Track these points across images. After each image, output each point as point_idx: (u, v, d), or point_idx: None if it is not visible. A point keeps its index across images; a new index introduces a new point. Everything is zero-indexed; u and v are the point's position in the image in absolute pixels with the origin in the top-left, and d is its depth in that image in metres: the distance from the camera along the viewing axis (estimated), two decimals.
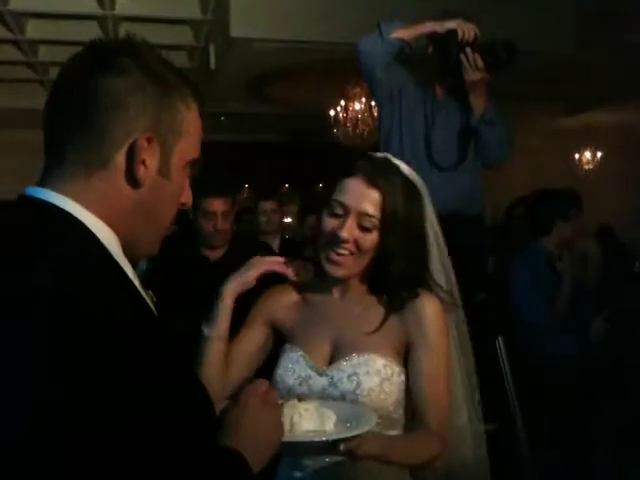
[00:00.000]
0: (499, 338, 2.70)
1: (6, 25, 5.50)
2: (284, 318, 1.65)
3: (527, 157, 6.81)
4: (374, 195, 1.51)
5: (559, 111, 8.02)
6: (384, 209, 1.50)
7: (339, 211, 1.53)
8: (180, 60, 6.31)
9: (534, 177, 5.86)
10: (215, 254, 3.05)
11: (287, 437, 1.20)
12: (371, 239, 1.51)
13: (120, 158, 0.98)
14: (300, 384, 1.53)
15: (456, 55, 2.71)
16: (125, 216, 1.00)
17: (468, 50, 2.69)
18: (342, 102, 6.80)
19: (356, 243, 1.51)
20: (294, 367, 1.56)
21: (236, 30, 5.16)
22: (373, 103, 6.65)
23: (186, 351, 1.03)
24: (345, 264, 1.53)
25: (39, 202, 0.96)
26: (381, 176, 1.52)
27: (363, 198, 1.51)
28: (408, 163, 1.77)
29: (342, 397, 1.48)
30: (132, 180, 0.99)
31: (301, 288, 1.66)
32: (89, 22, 5.55)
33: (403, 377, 1.53)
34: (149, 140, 0.99)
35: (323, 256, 1.54)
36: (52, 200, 0.96)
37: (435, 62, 2.86)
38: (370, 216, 1.51)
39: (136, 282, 1.01)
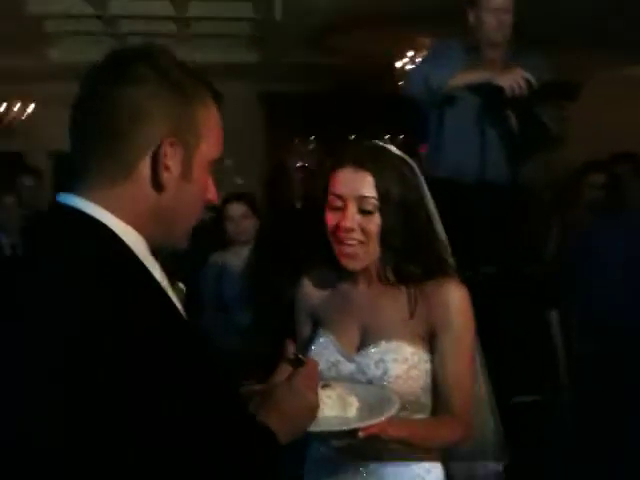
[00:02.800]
0: (553, 310, 2.68)
1: None
2: (319, 304, 1.70)
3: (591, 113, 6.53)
4: (366, 177, 1.52)
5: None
6: (378, 189, 1.51)
7: (338, 203, 1.55)
8: (245, 12, 6.28)
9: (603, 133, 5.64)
10: None
11: (315, 425, 1.25)
12: (375, 222, 1.53)
13: (143, 164, 1.03)
14: (329, 369, 1.58)
15: (502, 109, 2.69)
16: (151, 218, 1.05)
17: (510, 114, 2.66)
18: (410, 53, 6.66)
19: (362, 229, 1.53)
20: (324, 352, 1.61)
21: None
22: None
23: (209, 348, 1.08)
24: (357, 255, 1.55)
25: (70, 210, 1.02)
26: (369, 158, 1.54)
27: (356, 183, 1.53)
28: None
29: (369, 383, 1.52)
30: (156, 185, 1.03)
31: (330, 281, 1.69)
32: None
33: (430, 364, 1.56)
34: (171, 145, 1.03)
35: (336, 252, 1.56)
36: (82, 208, 1.01)
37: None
38: (367, 198, 1.52)
39: (164, 282, 1.06)
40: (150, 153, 1.02)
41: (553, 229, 3.51)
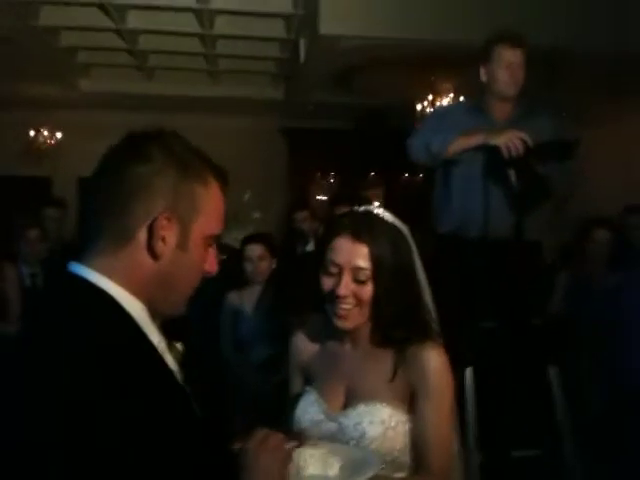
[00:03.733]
0: (550, 366, 2.73)
1: (110, 16, 5.79)
2: (308, 362, 1.80)
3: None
4: (362, 249, 1.62)
5: None
6: (373, 260, 1.61)
7: (333, 270, 1.65)
8: (272, 52, 6.45)
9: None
10: None
11: None
12: (368, 289, 1.62)
13: (142, 234, 1.13)
14: (312, 427, 1.66)
15: (503, 172, 2.76)
16: (148, 285, 1.15)
17: (511, 172, 2.74)
18: (429, 97, 6.76)
19: (355, 296, 1.62)
20: (309, 409, 1.70)
21: (325, 27, 5.23)
22: (462, 98, 6.60)
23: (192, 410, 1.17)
24: (350, 316, 1.64)
25: (76, 278, 1.12)
26: (365, 230, 1.64)
27: (353, 254, 1.62)
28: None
29: (348, 443, 1.60)
30: (152, 254, 1.13)
31: (321, 337, 1.79)
32: (186, 14, 5.77)
33: (408, 425, 1.63)
34: (168, 218, 1.13)
35: (330, 311, 1.66)
36: (87, 276, 1.12)
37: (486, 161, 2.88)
38: (362, 269, 1.62)
39: (161, 345, 1.15)
40: (148, 224, 1.12)
41: (558, 284, 3.55)
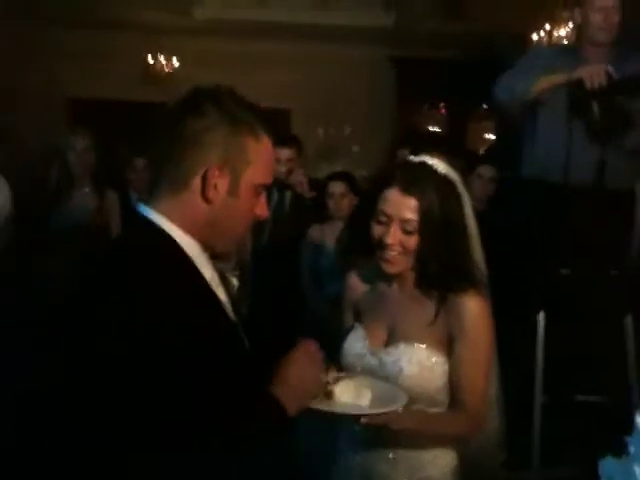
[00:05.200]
0: (626, 317, 2.69)
1: None
2: (358, 300, 1.91)
3: None
4: (411, 202, 1.70)
5: None
6: (420, 213, 1.68)
7: (383, 219, 1.74)
8: None
9: None
10: None
11: (326, 406, 1.47)
12: (414, 240, 1.71)
13: (196, 182, 1.29)
14: (356, 360, 1.79)
15: (587, 104, 2.67)
16: (202, 226, 1.32)
17: (594, 105, 2.65)
18: (547, 26, 6.45)
19: (402, 245, 1.71)
20: (355, 345, 1.82)
21: None
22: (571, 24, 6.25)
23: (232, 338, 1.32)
24: (395, 262, 1.74)
25: (142, 218, 1.31)
26: (415, 183, 1.70)
27: (402, 206, 1.70)
28: None
29: (386, 379, 1.71)
30: (205, 199, 1.29)
31: (372, 278, 1.89)
32: None
33: (446, 366, 1.73)
34: (220, 168, 1.28)
35: (378, 256, 1.76)
36: (150, 217, 1.31)
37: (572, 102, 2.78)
38: (410, 221, 1.69)
39: (215, 279, 1.33)
40: (202, 173, 1.28)
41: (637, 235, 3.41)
